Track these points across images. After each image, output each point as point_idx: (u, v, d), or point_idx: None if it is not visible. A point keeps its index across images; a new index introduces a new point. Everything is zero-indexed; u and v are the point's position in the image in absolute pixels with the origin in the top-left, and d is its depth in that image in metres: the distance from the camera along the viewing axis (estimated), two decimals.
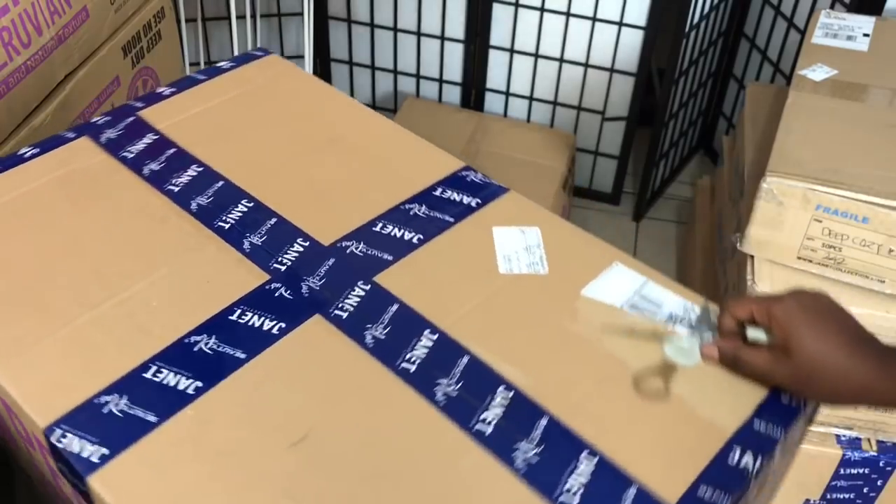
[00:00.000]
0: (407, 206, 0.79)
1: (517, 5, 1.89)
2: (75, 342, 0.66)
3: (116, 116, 0.91)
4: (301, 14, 1.76)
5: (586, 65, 1.92)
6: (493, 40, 1.96)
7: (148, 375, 0.63)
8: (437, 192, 0.81)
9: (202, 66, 1.97)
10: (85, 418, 0.60)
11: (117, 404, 0.61)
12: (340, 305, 0.69)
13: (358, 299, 0.69)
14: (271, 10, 2.02)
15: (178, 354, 0.65)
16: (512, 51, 1.96)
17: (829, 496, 1.33)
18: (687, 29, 1.80)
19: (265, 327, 0.67)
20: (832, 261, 1.09)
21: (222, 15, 1.91)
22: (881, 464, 1.26)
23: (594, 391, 0.64)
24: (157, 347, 0.65)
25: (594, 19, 1.85)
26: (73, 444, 0.59)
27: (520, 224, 0.78)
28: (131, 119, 0.90)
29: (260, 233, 0.76)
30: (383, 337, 0.66)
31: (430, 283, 0.72)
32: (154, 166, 0.83)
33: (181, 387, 0.62)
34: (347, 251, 0.74)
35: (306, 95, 0.95)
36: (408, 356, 0.65)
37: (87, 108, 1.27)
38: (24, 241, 0.75)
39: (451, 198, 0.80)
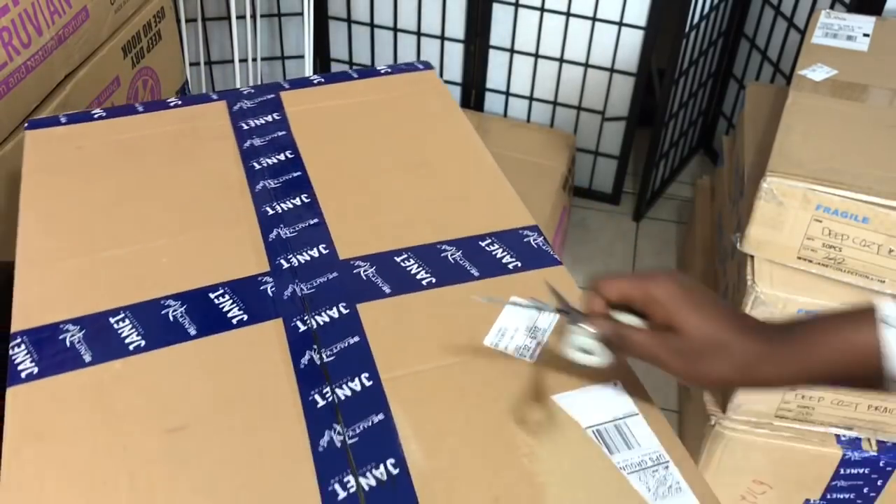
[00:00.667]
0: (441, 247, 0.75)
1: (517, 5, 1.89)
2: (82, 272, 0.74)
3: (261, 91, 0.97)
4: (301, 14, 1.76)
5: (586, 65, 1.92)
6: (493, 40, 1.96)
7: (112, 320, 0.68)
8: (482, 243, 0.76)
9: (202, 66, 1.97)
10: (43, 338, 0.67)
11: (73, 336, 0.67)
12: (307, 319, 0.68)
13: (327, 319, 0.68)
14: (271, 10, 2.02)
15: (146, 312, 0.69)
16: (512, 51, 1.96)
17: (829, 496, 1.33)
18: (687, 29, 1.80)
19: (229, 314, 0.69)
20: (832, 261, 1.09)
21: (222, 15, 1.91)
22: (881, 464, 1.26)
23: None
24: (134, 299, 0.70)
25: (594, 19, 1.85)
26: (20, 355, 0.65)
27: (545, 302, 0.65)
28: (271, 96, 0.96)
29: (294, 228, 0.77)
30: (319, 363, 0.64)
31: (405, 328, 0.68)
32: (257, 142, 0.88)
33: (127, 340, 0.66)
34: (355, 270, 0.73)
35: (432, 116, 0.94)
36: (326, 391, 0.62)
37: (88, 108, 1.27)
38: (112, 175, 0.85)
39: (494, 252, 0.75)
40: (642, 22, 1.82)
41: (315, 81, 0.99)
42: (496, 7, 1.90)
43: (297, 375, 0.64)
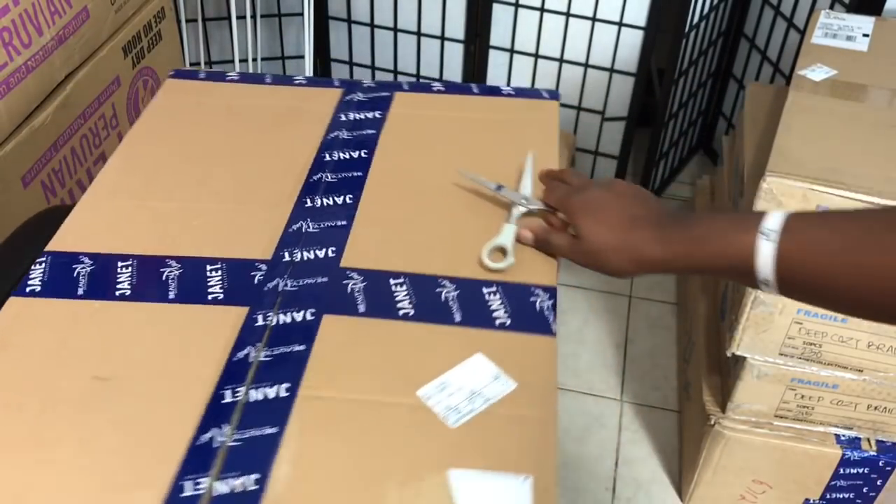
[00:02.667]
0: (441, 282, 0.71)
1: (517, 5, 1.89)
2: (125, 214, 0.78)
3: (380, 87, 0.97)
4: (301, 14, 1.76)
5: (586, 65, 1.92)
6: (493, 40, 1.96)
7: (119, 265, 0.73)
8: (486, 289, 0.71)
9: (202, 66, 1.97)
10: (60, 262, 0.73)
11: (83, 269, 0.72)
12: (270, 316, 0.68)
13: (289, 321, 0.67)
14: (271, 10, 2.03)
15: (148, 266, 0.73)
16: (512, 51, 1.96)
17: (828, 496, 1.33)
18: (687, 29, 1.80)
19: (209, 290, 0.70)
20: None
21: (222, 15, 1.91)
22: (881, 463, 1.26)
23: None
24: (146, 251, 0.74)
25: (594, 19, 1.85)
26: (35, 272, 0.72)
27: (509, 371, 0.63)
28: (386, 94, 0.96)
29: (319, 225, 0.77)
30: (253, 361, 0.64)
31: (352, 352, 0.65)
32: (343, 135, 0.88)
33: (118, 286, 0.71)
34: (345, 281, 0.71)
35: (522, 146, 0.88)
36: (240, 390, 0.62)
37: (88, 109, 1.27)
38: (205, 134, 0.89)
39: (490, 303, 0.70)
40: (642, 22, 1.82)
41: (435, 88, 0.97)
42: (496, 7, 1.91)
43: (225, 366, 0.64)
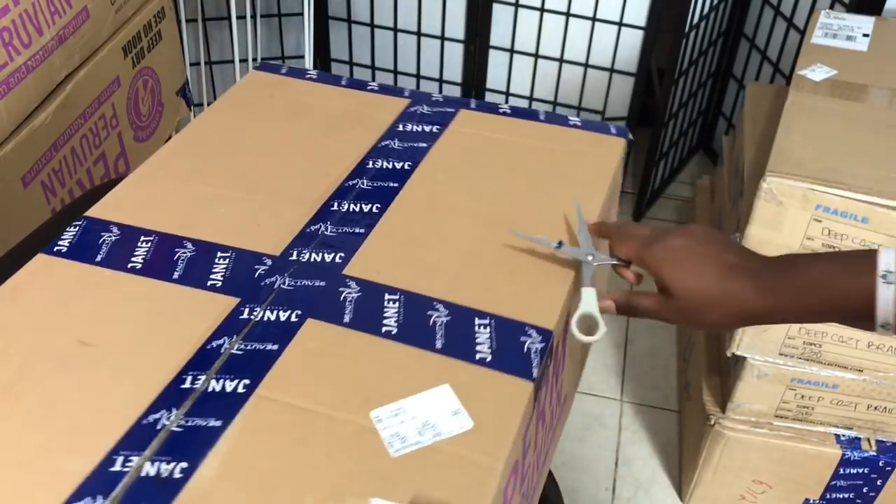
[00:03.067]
0: (435, 305, 0.69)
1: (517, 5, 1.89)
2: (165, 191, 0.81)
3: (447, 102, 0.96)
4: (301, 14, 1.76)
5: (586, 65, 1.92)
6: (493, 40, 1.96)
7: (141, 239, 0.75)
8: (478, 320, 0.68)
9: (202, 66, 1.98)
10: (91, 228, 0.76)
11: (110, 238, 0.76)
12: (256, 311, 0.68)
13: (272, 318, 0.67)
14: (271, 10, 2.03)
15: (165, 244, 0.75)
16: (512, 51, 1.96)
17: (828, 496, 1.33)
18: (687, 29, 1.80)
19: (211, 276, 0.71)
20: None
21: (222, 15, 1.91)
22: (881, 463, 1.26)
23: None
24: (168, 230, 0.76)
25: (594, 19, 1.85)
26: (68, 234, 0.75)
27: (471, 409, 0.60)
28: (450, 110, 0.95)
29: (338, 230, 0.76)
30: (223, 352, 0.64)
31: (322, 360, 0.64)
32: (394, 144, 0.88)
33: (133, 259, 0.73)
34: (341, 288, 0.70)
35: (572, 184, 0.84)
36: (201, 378, 0.62)
37: (88, 109, 1.27)
38: (264, 127, 0.91)
39: (477, 335, 0.67)
40: (642, 22, 1.82)
41: (501, 111, 0.96)
42: (496, 7, 1.91)
43: (196, 352, 0.64)
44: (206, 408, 0.60)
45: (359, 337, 0.66)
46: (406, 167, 0.85)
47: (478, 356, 0.64)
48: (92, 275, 0.72)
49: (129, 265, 0.73)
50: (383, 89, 0.98)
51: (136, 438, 0.58)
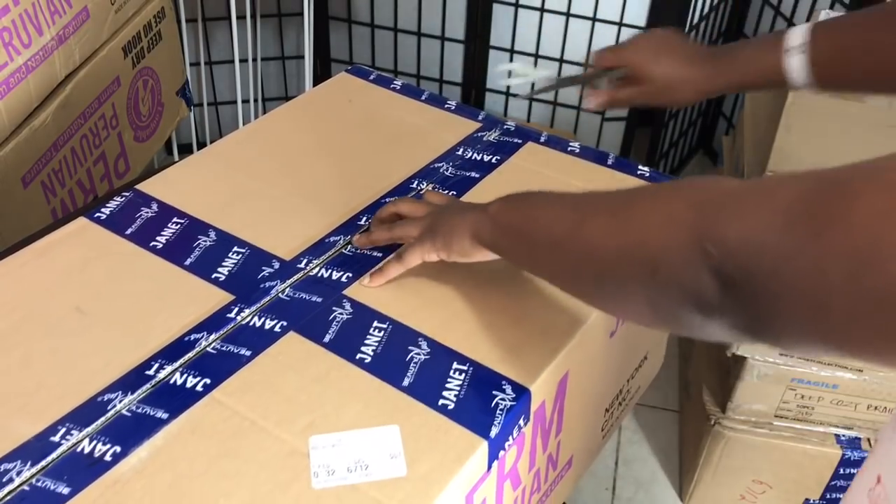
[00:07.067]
0: (419, 342, 0.67)
1: (517, 5, 1.89)
2: (214, 178, 0.83)
3: (517, 133, 0.93)
4: (301, 14, 1.76)
5: (586, 65, 1.92)
6: (493, 40, 1.96)
7: (171, 220, 0.77)
8: (456, 364, 0.65)
9: (202, 66, 1.98)
10: (134, 202, 0.79)
11: (146, 214, 0.78)
12: (243, 313, 0.67)
13: (257, 324, 0.67)
14: (271, 10, 2.03)
15: (191, 230, 0.76)
16: (512, 51, 1.96)
17: (828, 496, 1.33)
18: (687, 29, 1.80)
19: (218, 268, 0.72)
20: None
21: (222, 15, 1.91)
22: None
23: None
24: (201, 216, 0.78)
25: (594, 19, 1.85)
26: (112, 204, 0.79)
27: (411, 457, 0.58)
28: (517, 141, 0.91)
29: (355, 249, 0.75)
30: (199, 348, 0.65)
31: (289, 377, 0.63)
32: (447, 170, 0.86)
33: (157, 238, 0.75)
34: (335, 307, 0.68)
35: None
36: (168, 369, 0.63)
37: (88, 109, 1.27)
38: (333, 130, 0.93)
39: (449, 382, 0.63)
40: (642, 22, 1.82)
41: (569, 149, 0.90)
42: (496, 7, 1.91)
43: (173, 342, 0.65)
44: (160, 399, 0.61)
45: (331, 359, 0.64)
46: (449, 194, 0.82)
47: (440, 402, 0.61)
48: (116, 245, 0.74)
49: (152, 244, 0.75)
50: (458, 109, 0.96)
51: (85, 414, 0.59)
